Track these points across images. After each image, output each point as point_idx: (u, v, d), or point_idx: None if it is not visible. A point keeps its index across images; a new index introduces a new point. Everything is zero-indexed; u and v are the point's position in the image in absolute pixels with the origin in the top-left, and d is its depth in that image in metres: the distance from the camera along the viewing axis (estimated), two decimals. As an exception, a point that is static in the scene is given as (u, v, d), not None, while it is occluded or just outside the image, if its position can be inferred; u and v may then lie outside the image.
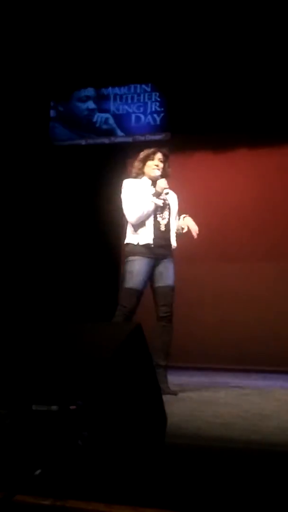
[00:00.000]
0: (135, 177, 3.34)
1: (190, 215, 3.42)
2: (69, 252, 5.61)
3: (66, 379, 1.69)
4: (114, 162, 5.71)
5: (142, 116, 5.53)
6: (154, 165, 3.29)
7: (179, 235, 3.35)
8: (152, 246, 3.20)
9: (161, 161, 3.31)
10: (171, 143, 5.37)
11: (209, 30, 5.02)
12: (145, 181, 3.32)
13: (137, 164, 3.35)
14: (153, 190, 3.25)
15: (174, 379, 3.90)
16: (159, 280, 3.22)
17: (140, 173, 3.34)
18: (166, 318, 3.22)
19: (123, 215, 3.35)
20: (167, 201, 3.31)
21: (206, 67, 5.16)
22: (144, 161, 3.32)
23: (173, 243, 3.28)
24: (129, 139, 5.59)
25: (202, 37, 5.07)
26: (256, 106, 5.03)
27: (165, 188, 3.24)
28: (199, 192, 5.01)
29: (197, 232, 3.29)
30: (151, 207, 3.21)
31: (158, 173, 3.27)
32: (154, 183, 3.29)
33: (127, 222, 3.30)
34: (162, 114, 5.45)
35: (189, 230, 3.32)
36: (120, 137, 5.61)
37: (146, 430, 1.82)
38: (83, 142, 5.71)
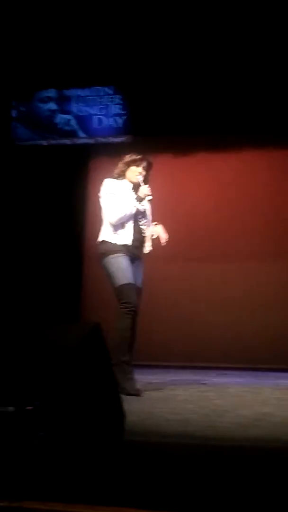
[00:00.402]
0: (117, 178, 3.36)
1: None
2: (29, 251, 5.55)
3: (23, 380, 1.68)
4: (76, 163, 5.70)
5: (104, 118, 5.53)
6: (138, 172, 3.32)
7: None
8: (130, 247, 3.23)
9: (144, 169, 3.35)
10: (132, 146, 5.40)
11: (170, 34, 5.07)
12: (126, 184, 3.35)
13: (121, 165, 3.36)
14: (135, 195, 3.29)
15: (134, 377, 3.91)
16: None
17: (122, 175, 3.36)
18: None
19: (102, 213, 3.32)
20: (145, 207, 3.36)
21: (167, 71, 5.21)
22: (129, 164, 3.34)
23: (148, 247, 3.30)
24: (91, 141, 5.58)
25: (163, 41, 5.12)
26: (215, 110, 5.12)
27: (148, 195, 3.28)
28: (159, 194, 5.03)
29: (166, 239, 3.33)
30: (133, 211, 3.25)
31: (138, 180, 3.30)
32: (135, 187, 3.32)
33: (104, 220, 3.30)
34: (123, 117, 5.47)
35: (157, 237, 3.35)
36: (82, 139, 5.59)
37: (104, 428, 1.82)
38: (44, 142, 5.67)
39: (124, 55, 5.26)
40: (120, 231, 3.26)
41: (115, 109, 5.50)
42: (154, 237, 3.35)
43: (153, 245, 3.31)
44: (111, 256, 3.22)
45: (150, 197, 3.30)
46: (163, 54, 5.16)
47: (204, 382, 3.78)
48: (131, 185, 3.34)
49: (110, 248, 3.24)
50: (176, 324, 5.09)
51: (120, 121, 5.49)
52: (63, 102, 5.66)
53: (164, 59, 5.17)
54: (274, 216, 5.25)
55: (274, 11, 4.81)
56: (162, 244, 3.34)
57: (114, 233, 3.25)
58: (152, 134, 5.24)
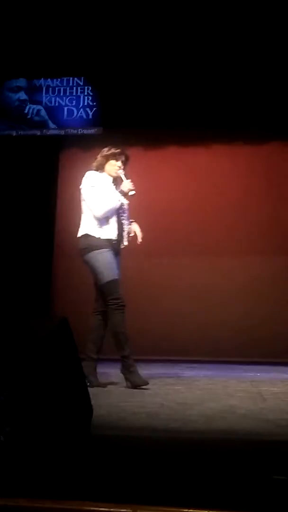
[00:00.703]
0: (96, 170, 3.33)
1: None
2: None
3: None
4: (47, 155, 5.62)
5: (75, 110, 5.47)
6: (117, 166, 3.30)
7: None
8: (113, 241, 3.23)
9: (123, 163, 3.33)
10: (103, 138, 5.37)
11: (141, 25, 5.04)
12: (105, 177, 3.32)
13: (99, 159, 3.33)
14: (117, 189, 3.28)
15: (103, 371, 3.92)
16: None
17: (101, 168, 3.33)
18: (104, 312, 3.24)
19: (83, 206, 3.29)
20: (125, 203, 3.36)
21: (138, 62, 5.18)
22: (108, 158, 3.32)
23: (125, 242, 3.33)
24: (61, 132, 5.51)
25: (133, 32, 5.08)
26: (187, 103, 5.12)
27: (131, 190, 3.27)
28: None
29: (142, 238, 3.34)
30: (117, 205, 3.24)
31: (116, 174, 3.29)
32: (115, 181, 3.31)
33: (85, 213, 3.27)
34: (94, 109, 5.42)
35: (134, 235, 3.37)
36: (52, 130, 5.52)
37: (72, 422, 1.82)
38: (13, 133, 5.57)
39: (94, 46, 5.20)
40: (104, 226, 3.24)
41: (86, 100, 5.45)
42: (131, 235, 3.35)
43: (128, 242, 3.33)
44: (96, 251, 3.19)
45: (133, 192, 3.29)
46: (134, 45, 5.13)
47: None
48: (111, 179, 3.33)
49: (94, 243, 3.21)
50: (144, 317, 5.10)
51: (90, 112, 5.43)
52: (33, 92, 5.57)
53: (135, 50, 5.14)
54: (244, 209, 5.31)
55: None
56: (138, 243, 3.34)
57: (98, 227, 3.23)
58: (122, 126, 5.20)
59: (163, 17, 4.99)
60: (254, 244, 5.27)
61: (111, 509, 1.38)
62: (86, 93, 5.45)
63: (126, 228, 3.32)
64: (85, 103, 5.45)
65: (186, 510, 1.36)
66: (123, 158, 3.33)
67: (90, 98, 5.45)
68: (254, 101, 5.03)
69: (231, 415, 2.34)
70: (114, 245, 3.24)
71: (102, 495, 1.47)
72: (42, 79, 5.54)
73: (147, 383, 3.11)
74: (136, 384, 3.09)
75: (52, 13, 5.11)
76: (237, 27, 4.94)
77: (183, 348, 5.04)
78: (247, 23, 4.90)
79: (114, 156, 3.31)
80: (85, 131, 5.41)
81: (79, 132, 5.44)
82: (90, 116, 5.43)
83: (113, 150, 3.33)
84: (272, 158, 5.30)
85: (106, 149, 3.36)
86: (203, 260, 5.30)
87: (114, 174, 3.30)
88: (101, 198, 3.22)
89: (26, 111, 5.56)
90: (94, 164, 3.34)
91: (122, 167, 3.31)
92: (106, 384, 3.20)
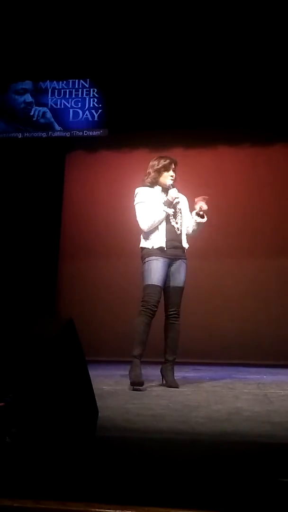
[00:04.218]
0: (150, 186, 3.40)
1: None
2: (4, 246, 5.48)
3: (-6, 376, 1.65)
4: (52, 157, 5.64)
5: (80, 112, 5.49)
6: (170, 176, 3.37)
7: (199, 228, 3.40)
8: (165, 248, 3.31)
9: (174, 171, 3.40)
10: (109, 140, 5.39)
11: (146, 27, 5.06)
12: (157, 190, 3.40)
13: (153, 174, 3.39)
14: (164, 199, 3.34)
15: (110, 373, 3.92)
16: (170, 280, 3.34)
17: (155, 183, 3.40)
18: (172, 316, 3.35)
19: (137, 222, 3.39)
20: (178, 207, 3.40)
21: (143, 64, 5.20)
22: (160, 171, 3.38)
23: (185, 244, 3.40)
24: (67, 134, 5.54)
25: (138, 34, 5.10)
26: (192, 104, 5.13)
27: (175, 198, 3.34)
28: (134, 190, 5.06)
29: (206, 199, 3.34)
30: (162, 216, 3.32)
31: (170, 182, 3.36)
32: (165, 190, 3.38)
33: (139, 228, 3.39)
34: (100, 110, 5.44)
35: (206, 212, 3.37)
36: (58, 132, 5.54)
37: (77, 423, 1.82)
38: (19, 135, 5.60)
39: (99, 48, 5.23)
40: (152, 236, 3.34)
41: (91, 102, 5.47)
42: (200, 209, 3.35)
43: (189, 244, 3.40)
44: (146, 259, 3.34)
45: (178, 200, 3.37)
46: (139, 47, 5.14)
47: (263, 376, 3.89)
48: (160, 189, 3.40)
49: (146, 253, 3.35)
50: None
51: (96, 114, 5.46)
52: (38, 94, 5.60)
53: (140, 52, 5.16)
54: (250, 211, 5.30)
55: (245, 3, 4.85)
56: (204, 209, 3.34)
57: (148, 239, 3.35)
58: (128, 128, 5.23)
59: (168, 19, 5.01)
60: (259, 246, 5.26)
61: (116, 511, 1.38)
62: (91, 95, 5.47)
63: (183, 231, 3.39)
64: (91, 105, 5.47)
65: (191, 512, 1.35)
66: (173, 166, 3.40)
67: (95, 100, 5.47)
68: (261, 101, 5.03)
69: (237, 417, 2.34)
70: (168, 252, 3.32)
71: (107, 497, 1.47)
72: (48, 81, 5.57)
73: (141, 385, 3.14)
74: (131, 381, 3.14)
75: (57, 16, 5.14)
76: (244, 28, 4.94)
77: (189, 350, 5.04)
78: (253, 25, 4.91)
79: (166, 168, 3.38)
80: (91, 133, 5.43)
81: (84, 134, 5.46)
82: (96, 118, 5.45)
83: (163, 162, 3.39)
84: (280, 161, 5.29)
85: (155, 162, 3.42)
86: (209, 262, 5.29)
87: (169, 184, 3.37)
88: (145, 213, 3.33)
89: (31, 113, 5.59)
90: (147, 180, 3.41)
91: (174, 177, 3.39)
92: (179, 385, 3.25)
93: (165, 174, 3.38)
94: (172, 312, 3.35)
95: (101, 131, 5.41)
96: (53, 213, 5.56)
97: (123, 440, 1.95)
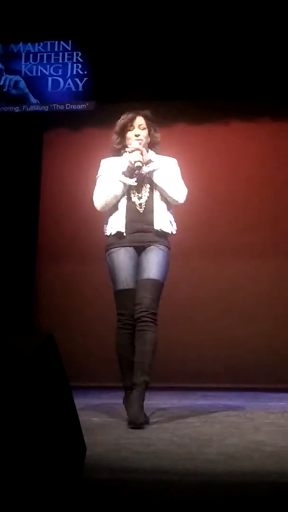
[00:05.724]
0: (115, 155, 3.23)
1: None
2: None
3: None
4: (27, 135, 5.64)
5: (61, 80, 5.50)
6: (135, 136, 3.15)
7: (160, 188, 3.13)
8: (125, 234, 3.08)
9: (143, 128, 3.18)
10: (96, 115, 5.38)
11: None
12: (125, 157, 3.16)
13: (114, 138, 3.22)
14: (124, 168, 3.11)
15: (101, 402, 3.91)
16: (139, 273, 3.07)
17: (120, 148, 3.21)
18: (140, 320, 3.01)
19: None
20: (146, 176, 3.13)
21: (138, 19, 5.18)
22: (122, 133, 3.19)
23: (159, 225, 3.09)
24: (45, 108, 5.54)
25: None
26: (197, 68, 5.15)
27: (137, 162, 3.05)
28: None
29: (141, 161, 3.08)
30: (118, 189, 3.09)
31: (136, 144, 3.11)
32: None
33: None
34: (85, 78, 5.44)
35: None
36: (34, 105, 5.54)
37: (61, 462, 1.81)
38: (-14, 110, 5.61)
39: (84, 2, 5.22)
40: (111, 219, 3.15)
41: (75, 68, 5.48)
42: (141, 164, 3.08)
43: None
44: (107, 252, 3.14)
45: (139, 164, 3.06)
46: (131, 1, 5.14)
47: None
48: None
49: (106, 244, 3.16)
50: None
51: (80, 83, 5.46)
52: (9, 60, 5.61)
53: (133, 6, 5.15)
54: (270, 194, 5.33)
55: None
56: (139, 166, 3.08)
57: (107, 223, 3.16)
58: (120, 99, 5.21)
59: None
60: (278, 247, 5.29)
61: None
62: (74, 60, 5.48)
63: (155, 209, 3.10)
64: (74, 72, 5.48)
65: None
66: (140, 122, 3.17)
67: (79, 66, 5.48)
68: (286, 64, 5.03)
69: (258, 453, 2.34)
70: (131, 238, 3.08)
71: None
72: (21, 43, 5.58)
73: (141, 426, 2.91)
74: (128, 421, 2.95)
75: None
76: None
77: (196, 373, 5.04)
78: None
79: (126, 127, 3.17)
80: (74, 107, 5.43)
81: (66, 107, 5.46)
82: (80, 88, 5.46)
83: (122, 120, 3.18)
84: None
85: (117, 122, 3.23)
86: (215, 265, 5.31)
87: (135, 148, 3.09)
88: (97, 189, 3.17)
89: (1, 83, 5.59)
90: (111, 147, 3.25)
91: (141, 135, 3.15)
92: (132, 421, 2.96)
93: (129, 134, 3.16)
94: (139, 315, 2.98)
95: (87, 104, 5.41)
96: (29, 204, 5.56)
97: (117, 483, 1.94)
